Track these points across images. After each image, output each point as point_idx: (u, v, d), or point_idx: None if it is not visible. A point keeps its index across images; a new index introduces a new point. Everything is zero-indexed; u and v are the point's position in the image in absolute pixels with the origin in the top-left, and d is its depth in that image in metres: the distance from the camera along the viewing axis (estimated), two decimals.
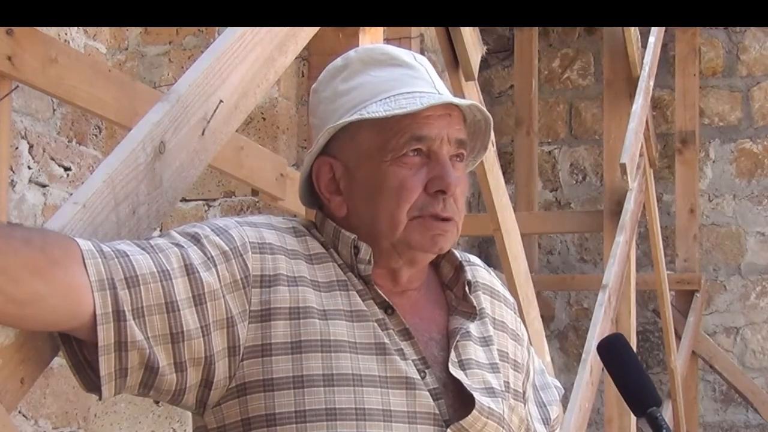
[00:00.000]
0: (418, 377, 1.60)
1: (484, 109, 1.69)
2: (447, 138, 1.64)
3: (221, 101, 1.84)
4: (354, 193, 1.66)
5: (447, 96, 1.66)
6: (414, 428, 1.58)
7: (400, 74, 1.67)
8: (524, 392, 1.79)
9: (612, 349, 1.78)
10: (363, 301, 1.62)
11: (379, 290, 1.64)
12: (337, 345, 1.57)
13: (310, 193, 1.72)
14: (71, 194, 2.07)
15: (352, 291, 1.63)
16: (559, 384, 1.93)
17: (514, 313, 1.82)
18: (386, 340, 1.60)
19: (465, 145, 1.68)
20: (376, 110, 1.63)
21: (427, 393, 1.60)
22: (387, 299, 1.63)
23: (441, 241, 1.64)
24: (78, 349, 1.48)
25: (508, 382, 1.72)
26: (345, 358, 1.57)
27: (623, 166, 4.89)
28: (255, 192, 4.13)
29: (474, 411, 1.61)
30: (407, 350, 1.62)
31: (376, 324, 1.61)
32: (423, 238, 1.63)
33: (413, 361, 1.61)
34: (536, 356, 1.89)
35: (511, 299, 1.84)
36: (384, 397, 1.57)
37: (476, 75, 3.28)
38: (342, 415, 1.54)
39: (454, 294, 1.72)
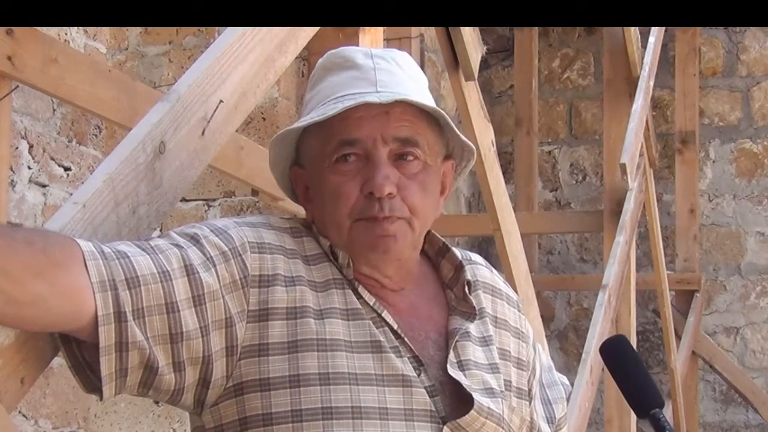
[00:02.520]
0: (414, 375, 1.60)
1: (414, 100, 1.63)
2: (382, 138, 1.62)
3: (221, 101, 1.84)
4: (315, 200, 1.68)
5: (367, 96, 1.62)
6: (411, 425, 1.58)
7: (346, 78, 1.66)
8: (530, 390, 1.78)
9: (615, 351, 1.78)
10: (358, 299, 1.62)
11: (365, 292, 1.63)
12: (333, 344, 1.57)
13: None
14: (71, 194, 2.07)
15: (348, 290, 1.63)
16: (566, 381, 1.91)
17: (518, 310, 1.81)
18: (382, 338, 1.60)
19: (413, 142, 1.64)
20: (304, 119, 1.65)
21: (423, 390, 1.60)
22: (370, 303, 1.62)
23: (385, 243, 1.62)
24: (78, 350, 1.49)
25: (509, 381, 1.72)
26: (341, 356, 1.57)
27: (623, 166, 4.89)
28: (255, 192, 4.13)
29: (472, 411, 1.60)
30: (402, 348, 1.62)
31: (371, 322, 1.61)
32: (366, 240, 1.62)
33: (408, 359, 1.61)
34: (543, 353, 1.88)
35: (515, 297, 1.83)
36: (380, 395, 1.57)
37: (476, 75, 3.28)
38: (338, 414, 1.54)
39: (454, 294, 1.72)
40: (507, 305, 1.79)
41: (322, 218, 1.66)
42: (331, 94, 1.65)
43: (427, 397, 1.60)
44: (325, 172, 1.64)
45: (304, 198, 1.71)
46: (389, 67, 1.68)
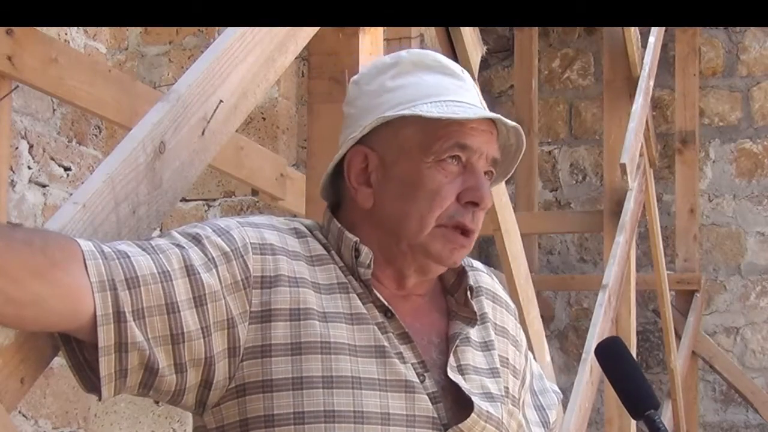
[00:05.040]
0: (417, 381, 1.60)
1: (523, 134, 1.71)
2: (486, 154, 1.66)
3: (221, 101, 1.84)
4: (386, 188, 1.66)
5: (495, 114, 1.68)
6: (412, 431, 1.58)
7: (450, 83, 1.69)
8: (520, 398, 1.79)
9: (609, 353, 1.78)
10: (363, 304, 1.62)
11: (379, 294, 1.63)
12: (336, 347, 1.57)
13: (332, 184, 1.71)
14: (71, 194, 2.07)
15: (353, 294, 1.62)
16: (557, 389, 1.93)
17: (515, 319, 1.82)
18: (386, 344, 1.60)
19: (497, 165, 1.70)
20: (429, 110, 1.63)
21: (426, 396, 1.60)
22: (386, 303, 1.63)
23: (457, 255, 1.66)
24: (78, 349, 1.48)
25: (507, 387, 1.73)
26: (344, 360, 1.57)
27: (623, 166, 4.89)
28: (255, 192, 4.14)
29: (473, 415, 1.61)
30: (406, 354, 1.62)
31: (375, 327, 1.61)
32: (443, 248, 1.64)
33: (412, 364, 1.61)
34: (534, 361, 1.89)
35: (513, 305, 1.84)
36: (383, 400, 1.57)
37: (476, 75, 3.28)
38: (340, 418, 1.54)
39: (455, 299, 1.72)
40: (506, 313, 1.80)
41: (402, 209, 1.64)
42: (440, 93, 1.67)
43: (430, 404, 1.60)
44: (424, 166, 1.63)
45: (359, 179, 1.67)
46: (476, 87, 1.75)
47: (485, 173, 1.67)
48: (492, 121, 1.67)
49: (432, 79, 1.68)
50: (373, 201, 1.66)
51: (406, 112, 1.64)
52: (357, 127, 1.67)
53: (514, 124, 1.69)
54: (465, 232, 1.65)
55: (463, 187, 1.64)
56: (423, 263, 1.66)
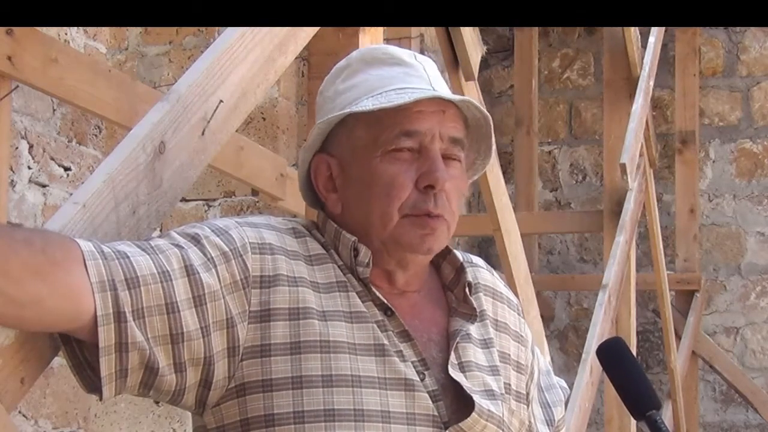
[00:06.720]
0: (417, 379, 1.60)
1: (480, 105, 1.68)
2: (439, 134, 1.64)
3: (221, 101, 1.84)
4: (348, 190, 1.66)
5: (437, 92, 1.65)
6: (413, 430, 1.58)
7: (397, 72, 1.67)
8: (528, 393, 1.78)
9: (611, 353, 1.78)
10: (362, 302, 1.62)
11: (377, 292, 1.63)
12: (336, 346, 1.57)
13: (311, 192, 1.72)
14: (71, 194, 2.07)
15: (352, 292, 1.62)
16: (565, 384, 1.92)
17: (518, 314, 1.81)
18: (385, 342, 1.60)
19: (460, 144, 1.67)
20: (365, 105, 1.63)
21: (426, 395, 1.60)
22: (385, 301, 1.63)
23: (429, 241, 1.64)
24: (78, 349, 1.49)
25: (509, 384, 1.72)
26: (344, 359, 1.57)
27: (623, 166, 4.89)
28: (255, 192, 4.14)
29: (473, 413, 1.61)
30: (406, 352, 1.62)
31: (375, 325, 1.61)
32: (412, 236, 1.63)
33: (413, 362, 1.61)
34: (542, 357, 1.88)
35: (515, 300, 1.83)
36: (383, 399, 1.57)
37: (476, 75, 3.28)
38: (340, 416, 1.54)
39: (454, 295, 1.72)
40: (507, 308, 1.79)
41: (364, 209, 1.64)
42: (383, 85, 1.65)
43: (430, 402, 1.60)
44: (375, 161, 1.63)
45: (326, 187, 1.68)
46: (432, 69, 1.70)
47: (449, 154, 1.65)
48: (446, 99, 1.65)
49: (380, 73, 1.67)
50: (341, 206, 1.67)
51: (343, 112, 1.64)
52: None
53: (461, 97, 1.66)
54: (432, 216, 1.63)
55: (418, 173, 1.63)
56: (399, 256, 1.65)
